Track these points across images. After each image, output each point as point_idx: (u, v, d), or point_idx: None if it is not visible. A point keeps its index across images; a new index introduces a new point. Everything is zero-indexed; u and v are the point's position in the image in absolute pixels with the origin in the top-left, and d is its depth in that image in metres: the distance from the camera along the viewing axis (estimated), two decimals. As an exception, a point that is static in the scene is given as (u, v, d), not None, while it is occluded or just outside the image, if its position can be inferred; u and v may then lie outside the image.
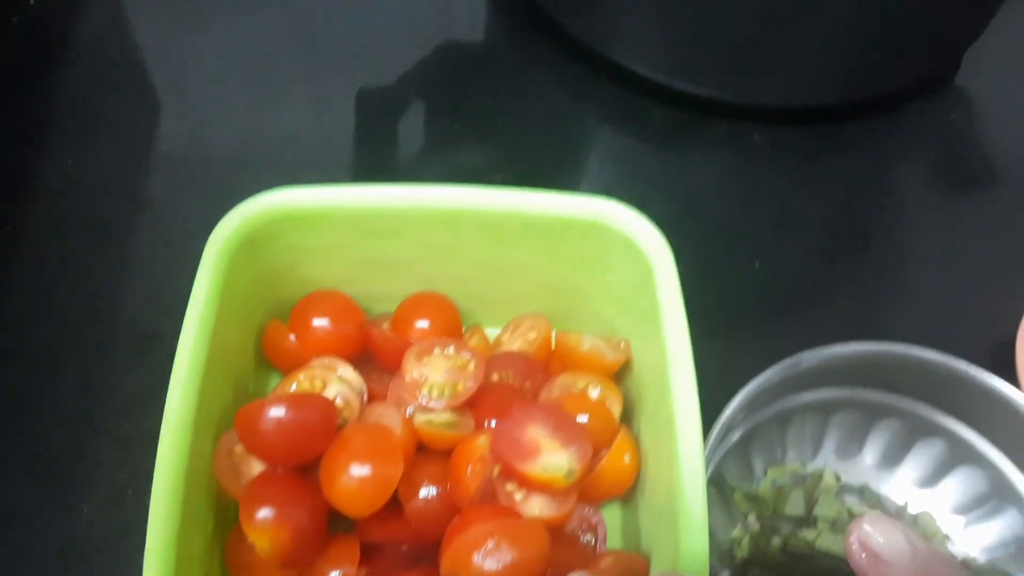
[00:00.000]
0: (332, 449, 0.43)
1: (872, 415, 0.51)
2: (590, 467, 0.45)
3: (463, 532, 0.41)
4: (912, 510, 0.51)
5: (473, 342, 0.52)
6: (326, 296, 0.51)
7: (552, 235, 0.48)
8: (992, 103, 0.72)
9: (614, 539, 0.49)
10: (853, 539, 0.33)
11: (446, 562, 0.41)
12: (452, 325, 0.52)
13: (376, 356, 0.51)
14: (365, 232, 0.48)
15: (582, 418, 0.46)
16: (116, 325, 0.57)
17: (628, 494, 0.48)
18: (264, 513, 0.41)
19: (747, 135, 0.68)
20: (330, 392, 0.46)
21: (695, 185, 0.65)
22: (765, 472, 0.51)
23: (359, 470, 0.42)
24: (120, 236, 0.61)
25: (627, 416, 0.50)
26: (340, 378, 0.47)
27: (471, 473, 0.43)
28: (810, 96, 0.67)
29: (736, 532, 0.49)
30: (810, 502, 0.49)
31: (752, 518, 0.49)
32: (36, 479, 0.51)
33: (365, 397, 0.48)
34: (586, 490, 0.46)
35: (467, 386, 0.46)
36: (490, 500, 0.43)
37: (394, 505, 0.44)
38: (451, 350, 0.48)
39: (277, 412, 0.42)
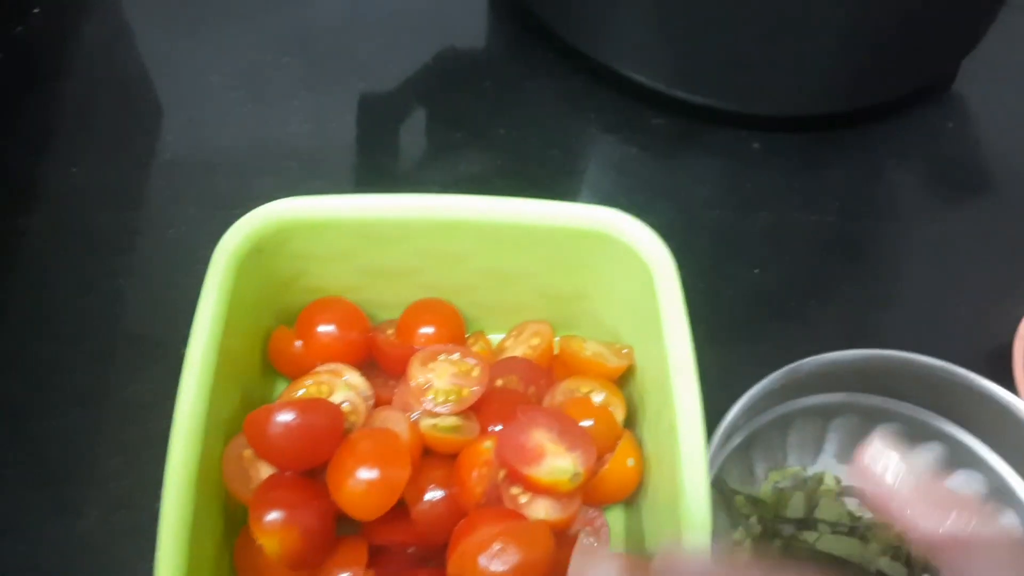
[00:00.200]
0: (339, 453, 0.44)
1: (871, 419, 0.51)
2: (594, 471, 0.45)
3: (469, 534, 0.41)
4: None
5: (476, 348, 0.53)
6: (332, 303, 0.52)
7: (554, 243, 0.49)
8: (988, 111, 0.73)
9: (617, 542, 0.49)
10: (861, 458, 0.31)
11: (453, 564, 0.41)
12: (456, 331, 0.53)
13: (381, 362, 0.51)
14: (370, 240, 0.49)
15: (586, 423, 0.46)
16: (119, 332, 0.57)
17: (631, 497, 0.49)
18: (273, 516, 0.41)
19: (746, 143, 0.69)
20: (337, 397, 0.47)
21: (695, 193, 0.66)
22: (766, 475, 0.51)
23: (367, 473, 0.42)
24: (123, 243, 0.61)
25: (630, 421, 0.50)
26: (346, 383, 0.48)
27: (476, 477, 0.44)
28: (808, 105, 0.68)
29: (738, 534, 0.49)
30: (811, 505, 0.50)
31: (754, 520, 0.49)
32: (41, 485, 0.51)
33: (371, 402, 0.48)
34: (590, 493, 0.46)
35: (472, 391, 0.47)
36: (495, 503, 0.44)
37: (400, 508, 0.44)
38: (456, 356, 0.48)
39: (285, 417, 0.42)
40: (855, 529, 0.50)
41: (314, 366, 0.49)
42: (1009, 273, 0.63)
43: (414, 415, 0.47)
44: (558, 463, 0.43)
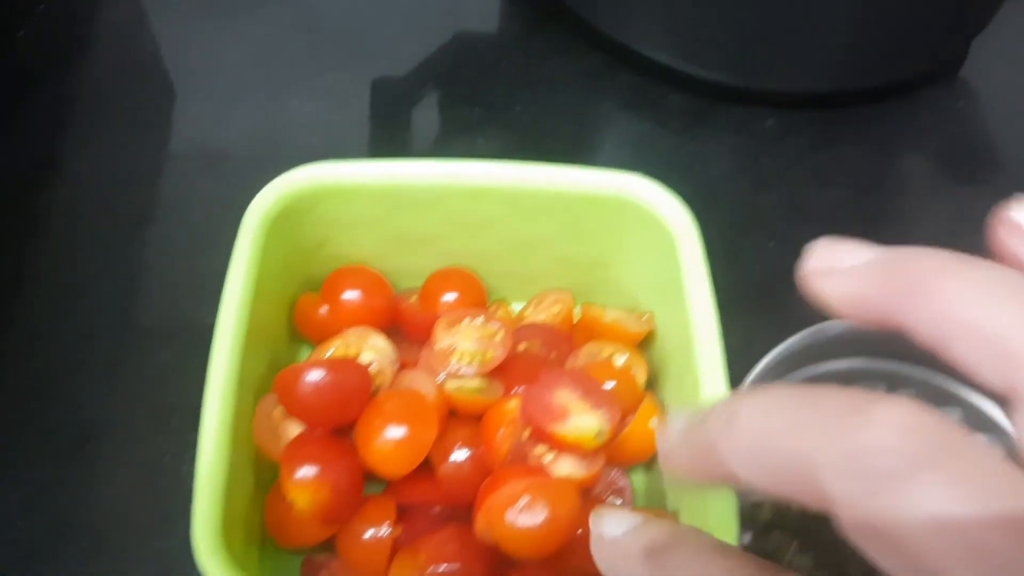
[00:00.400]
0: (367, 412, 0.44)
1: (890, 385, 0.52)
2: (617, 431, 0.46)
3: (496, 490, 0.42)
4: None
5: (498, 316, 0.53)
6: (356, 270, 0.53)
7: (576, 210, 0.50)
8: (997, 93, 0.74)
9: (639, 503, 0.50)
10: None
11: (480, 519, 0.42)
12: (478, 299, 0.53)
13: (404, 328, 0.52)
14: (395, 207, 0.50)
15: (608, 384, 0.47)
16: (145, 302, 0.58)
17: (653, 459, 0.50)
18: (304, 472, 0.42)
19: (761, 120, 0.69)
20: (364, 358, 0.48)
21: (710, 169, 0.67)
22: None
23: (394, 432, 0.43)
24: (146, 217, 0.62)
25: (651, 385, 0.51)
26: (373, 346, 0.49)
27: (502, 435, 0.45)
28: (821, 82, 0.69)
29: (758, 496, 0.50)
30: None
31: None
32: (72, 450, 0.52)
33: (396, 366, 0.49)
34: (612, 454, 0.47)
35: (496, 354, 0.48)
36: (520, 463, 0.45)
37: (426, 468, 0.45)
38: (479, 320, 0.49)
39: (315, 375, 0.43)
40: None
41: (339, 331, 0.50)
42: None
43: (439, 377, 0.47)
44: (583, 421, 0.43)
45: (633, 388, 0.48)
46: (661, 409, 0.49)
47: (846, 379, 0.52)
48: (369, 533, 0.44)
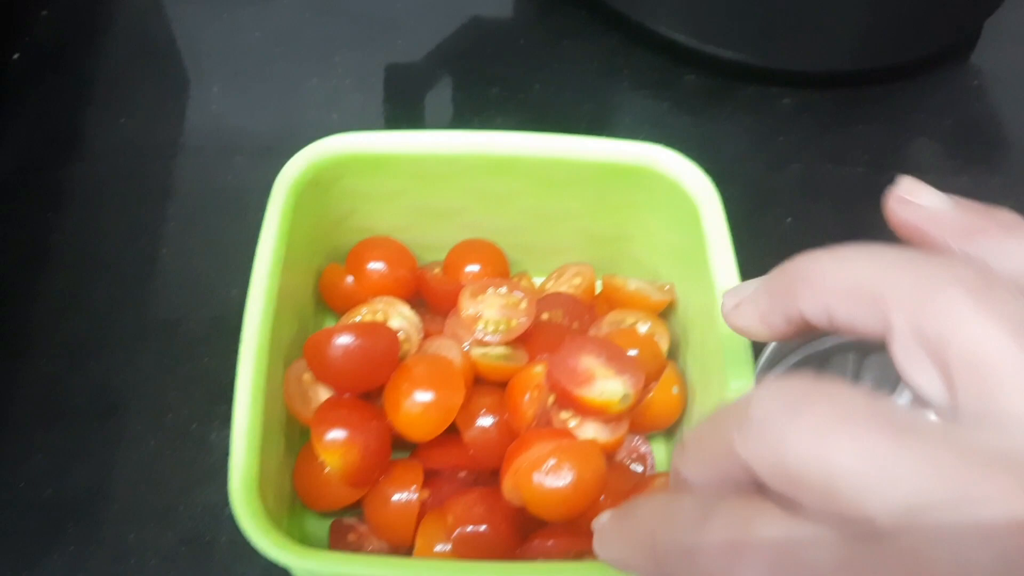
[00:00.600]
0: (395, 377, 0.45)
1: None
2: (640, 397, 0.47)
3: (523, 453, 0.43)
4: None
5: (522, 286, 0.54)
6: (381, 241, 0.53)
7: (599, 181, 0.50)
8: (1011, 72, 0.74)
9: (661, 471, 0.50)
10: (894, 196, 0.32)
11: (507, 482, 0.43)
12: (501, 270, 0.54)
13: (429, 299, 0.53)
14: (420, 179, 0.50)
15: (632, 352, 0.48)
16: (172, 273, 0.59)
17: (675, 427, 0.50)
18: (335, 434, 0.43)
19: (776, 99, 0.70)
20: (392, 324, 0.48)
21: (727, 147, 0.67)
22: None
23: (422, 396, 0.44)
24: (172, 190, 0.63)
25: (672, 354, 0.52)
26: (399, 314, 0.49)
27: (528, 400, 0.45)
28: (836, 61, 0.70)
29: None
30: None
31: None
32: (104, 416, 0.53)
33: (422, 335, 0.50)
34: (635, 421, 0.48)
35: (520, 322, 0.48)
36: (546, 427, 0.45)
37: (452, 434, 0.46)
38: (503, 290, 0.50)
39: (345, 340, 0.44)
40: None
41: (365, 302, 0.51)
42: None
43: (465, 344, 0.48)
44: (609, 386, 0.44)
45: (657, 355, 0.49)
46: (682, 378, 0.50)
47: (861, 349, 0.52)
48: (397, 496, 0.45)
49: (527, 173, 0.50)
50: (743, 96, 0.70)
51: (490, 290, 0.50)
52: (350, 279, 0.51)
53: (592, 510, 0.41)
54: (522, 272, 0.56)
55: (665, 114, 0.69)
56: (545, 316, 0.51)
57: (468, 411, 0.46)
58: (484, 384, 0.48)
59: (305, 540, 0.44)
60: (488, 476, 0.46)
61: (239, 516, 0.37)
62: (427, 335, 0.50)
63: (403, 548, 0.45)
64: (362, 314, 0.49)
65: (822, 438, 0.23)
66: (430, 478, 0.46)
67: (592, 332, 0.51)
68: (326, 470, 0.44)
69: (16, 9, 0.71)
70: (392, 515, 0.45)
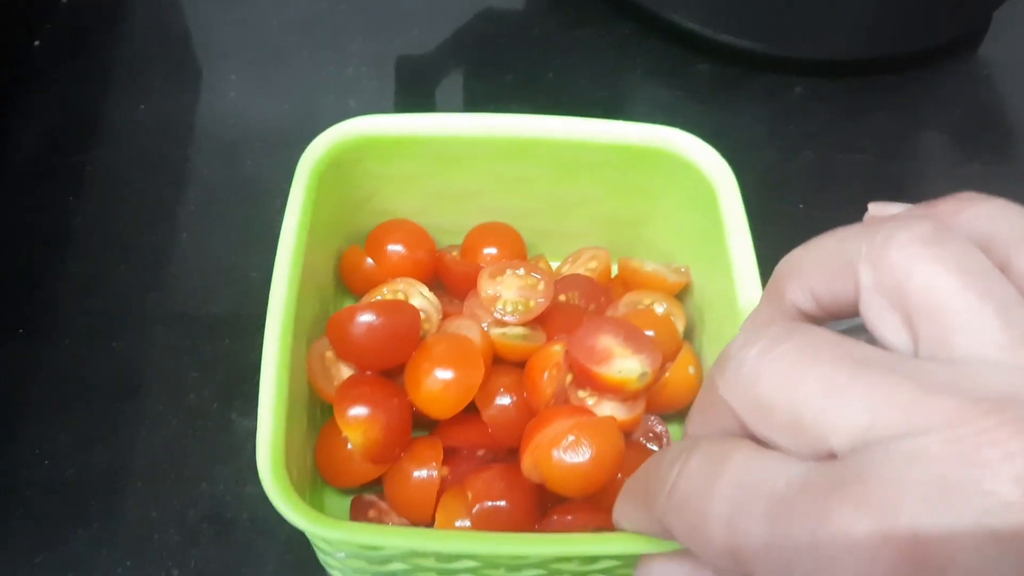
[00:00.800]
0: (416, 355, 0.46)
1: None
2: (657, 376, 0.47)
3: (542, 429, 0.43)
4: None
5: (539, 267, 0.55)
6: (400, 224, 0.54)
7: (615, 165, 0.51)
8: (1018, 61, 0.75)
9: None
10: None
11: (526, 458, 0.43)
12: (518, 253, 0.55)
13: (447, 281, 0.53)
14: (439, 161, 0.51)
15: (648, 333, 0.48)
16: (192, 256, 0.60)
17: (689, 408, 0.50)
18: (357, 410, 0.44)
19: (788, 88, 0.71)
20: (413, 303, 0.49)
21: (740, 135, 0.68)
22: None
23: (443, 373, 0.45)
24: (192, 175, 0.64)
25: (687, 337, 0.52)
26: (419, 294, 0.50)
27: (547, 379, 0.46)
28: (847, 50, 0.70)
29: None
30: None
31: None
32: (122, 399, 0.54)
33: (441, 316, 0.50)
34: (651, 401, 0.48)
35: (538, 303, 0.49)
36: (564, 405, 0.46)
37: (471, 413, 0.46)
38: (521, 271, 0.50)
39: (367, 317, 0.45)
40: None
41: (384, 283, 0.51)
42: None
43: (484, 325, 0.49)
44: (627, 364, 0.44)
45: (673, 336, 0.50)
46: (698, 358, 0.50)
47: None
48: (417, 473, 0.45)
49: (544, 156, 0.51)
50: (755, 85, 0.71)
51: (508, 271, 0.50)
52: (370, 261, 0.52)
53: (611, 486, 0.42)
54: (539, 255, 0.57)
55: (678, 102, 0.70)
56: (562, 298, 0.52)
57: (487, 390, 0.47)
58: (503, 364, 0.49)
59: (326, 516, 0.45)
60: (506, 455, 0.47)
61: (268, 486, 0.38)
62: (446, 316, 0.51)
63: (423, 525, 0.46)
64: (383, 294, 0.50)
65: (790, 372, 0.25)
66: (449, 456, 0.47)
67: (609, 313, 0.52)
68: (348, 447, 0.44)
69: (37, -3, 0.72)
70: (412, 492, 0.45)
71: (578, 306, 0.52)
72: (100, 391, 0.54)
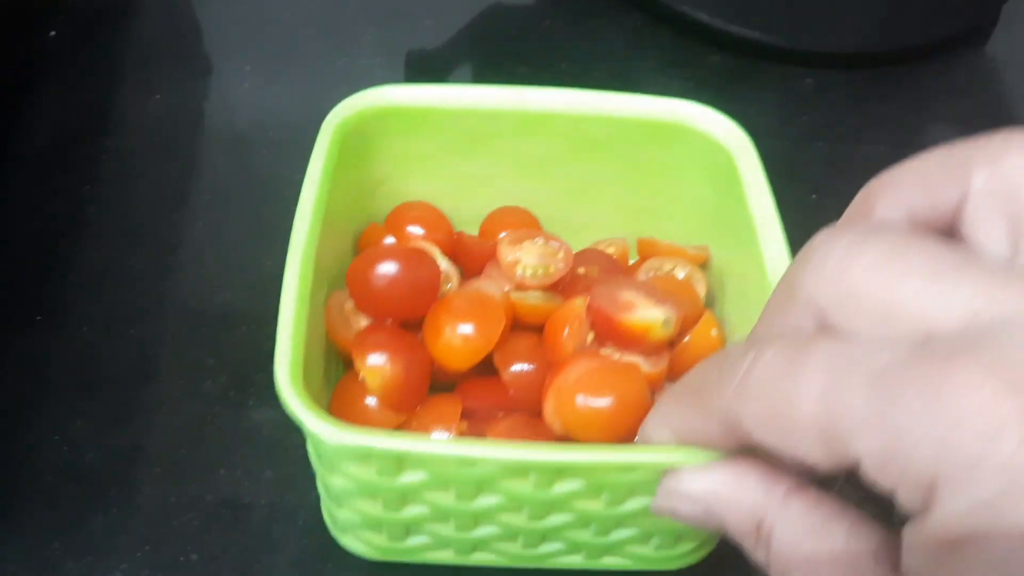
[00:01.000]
0: (436, 308, 0.46)
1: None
2: (679, 332, 0.47)
3: (564, 373, 0.43)
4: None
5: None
6: (419, 205, 0.54)
7: (632, 142, 0.51)
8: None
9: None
10: None
11: (548, 403, 0.42)
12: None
13: (465, 263, 0.53)
14: (457, 137, 0.51)
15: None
16: (207, 244, 0.60)
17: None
18: (376, 354, 0.43)
19: (799, 80, 0.71)
20: (434, 262, 0.49)
21: (751, 125, 0.67)
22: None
23: (463, 325, 0.44)
24: (207, 163, 0.64)
25: (708, 305, 0.52)
26: (440, 257, 0.50)
27: (568, 334, 0.45)
28: (858, 42, 0.71)
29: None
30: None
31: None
32: (137, 386, 0.53)
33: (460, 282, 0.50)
34: (674, 366, 0.47)
35: (558, 268, 0.49)
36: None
37: (491, 374, 0.46)
38: (540, 240, 0.50)
39: (388, 267, 0.44)
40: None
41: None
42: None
43: (504, 287, 0.48)
44: (650, 312, 0.44)
45: (695, 300, 0.49)
46: (720, 324, 0.50)
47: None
48: (436, 428, 0.44)
49: (561, 132, 0.51)
50: (767, 76, 0.71)
51: (527, 241, 0.50)
52: (390, 239, 0.52)
53: (634, 434, 0.41)
54: (556, 239, 0.57)
55: (690, 93, 0.69)
56: (581, 271, 0.51)
57: (507, 351, 0.46)
58: (523, 327, 0.48)
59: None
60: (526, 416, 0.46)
61: (285, 396, 0.37)
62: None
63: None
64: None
65: (887, 261, 0.24)
66: (468, 417, 0.46)
67: (629, 278, 0.51)
68: (364, 400, 0.44)
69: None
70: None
71: (596, 279, 0.51)
72: (117, 377, 0.54)
